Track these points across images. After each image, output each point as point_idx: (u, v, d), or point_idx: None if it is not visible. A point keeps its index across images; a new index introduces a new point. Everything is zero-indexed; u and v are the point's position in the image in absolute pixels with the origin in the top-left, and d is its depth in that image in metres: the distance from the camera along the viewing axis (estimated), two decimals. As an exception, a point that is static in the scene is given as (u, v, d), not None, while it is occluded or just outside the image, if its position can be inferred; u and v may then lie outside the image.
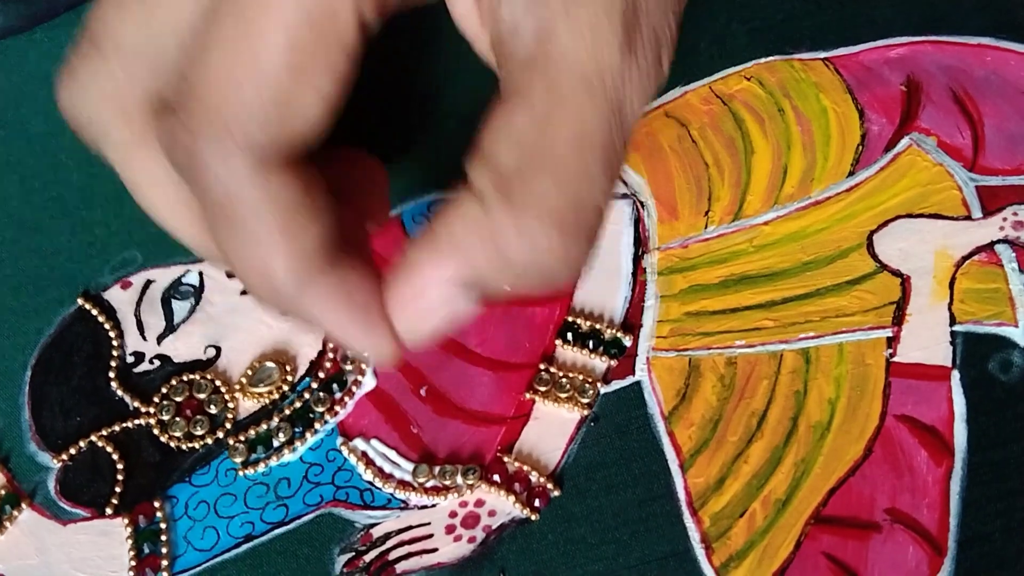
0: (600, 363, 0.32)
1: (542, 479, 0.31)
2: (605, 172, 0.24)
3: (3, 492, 0.32)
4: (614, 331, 0.32)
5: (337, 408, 0.32)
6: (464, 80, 0.36)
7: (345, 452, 0.32)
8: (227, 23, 0.23)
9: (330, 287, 0.25)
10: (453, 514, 0.31)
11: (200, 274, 0.35)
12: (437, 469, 0.31)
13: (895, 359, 0.31)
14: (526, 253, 0.23)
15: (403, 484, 0.31)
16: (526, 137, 0.24)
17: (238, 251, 0.24)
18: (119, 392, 0.33)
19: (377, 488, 0.31)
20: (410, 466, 0.31)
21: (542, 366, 0.32)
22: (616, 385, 0.32)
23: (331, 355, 0.33)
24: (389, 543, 0.30)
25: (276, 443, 0.32)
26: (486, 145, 0.24)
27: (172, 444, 0.32)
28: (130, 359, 0.34)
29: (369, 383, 0.33)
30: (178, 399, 0.33)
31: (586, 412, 0.32)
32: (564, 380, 0.32)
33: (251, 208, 0.23)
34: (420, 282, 0.24)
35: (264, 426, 0.32)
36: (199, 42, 0.24)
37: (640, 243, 0.34)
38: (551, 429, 0.32)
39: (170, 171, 0.25)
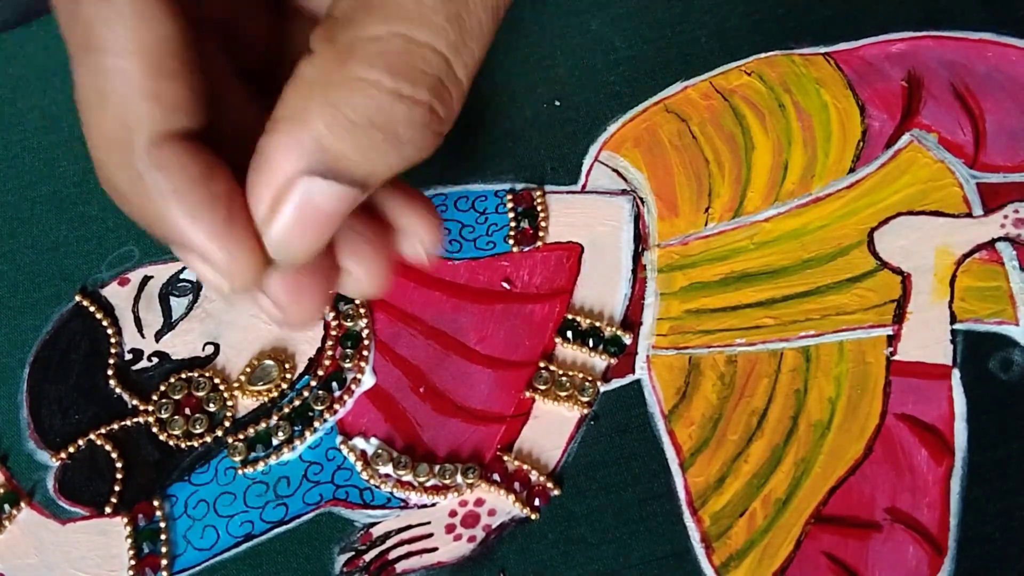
0: (600, 361, 0.32)
1: (542, 478, 0.31)
2: (449, 20, 0.22)
3: (2, 491, 0.32)
4: (614, 329, 0.32)
5: (336, 406, 0.32)
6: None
7: (344, 451, 0.32)
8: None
9: (187, 160, 0.21)
10: (453, 513, 0.31)
11: (198, 271, 0.35)
12: (437, 468, 0.31)
13: (895, 357, 0.31)
14: (361, 105, 0.21)
15: (402, 483, 0.31)
16: None
17: (99, 91, 0.20)
18: (117, 390, 0.33)
19: (376, 487, 0.31)
20: (410, 465, 0.31)
21: (542, 364, 0.32)
22: (616, 383, 0.32)
23: (330, 352, 0.33)
24: (389, 542, 0.30)
25: (275, 441, 0.32)
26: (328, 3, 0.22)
27: (171, 442, 0.32)
28: (128, 356, 0.34)
29: (368, 381, 0.33)
30: (177, 397, 0.33)
31: (586, 411, 0.31)
32: (564, 378, 0.32)
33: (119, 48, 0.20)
34: (274, 179, 0.21)
35: (263, 424, 0.32)
36: None
37: (640, 240, 0.34)
38: (551, 428, 0.31)
39: None
